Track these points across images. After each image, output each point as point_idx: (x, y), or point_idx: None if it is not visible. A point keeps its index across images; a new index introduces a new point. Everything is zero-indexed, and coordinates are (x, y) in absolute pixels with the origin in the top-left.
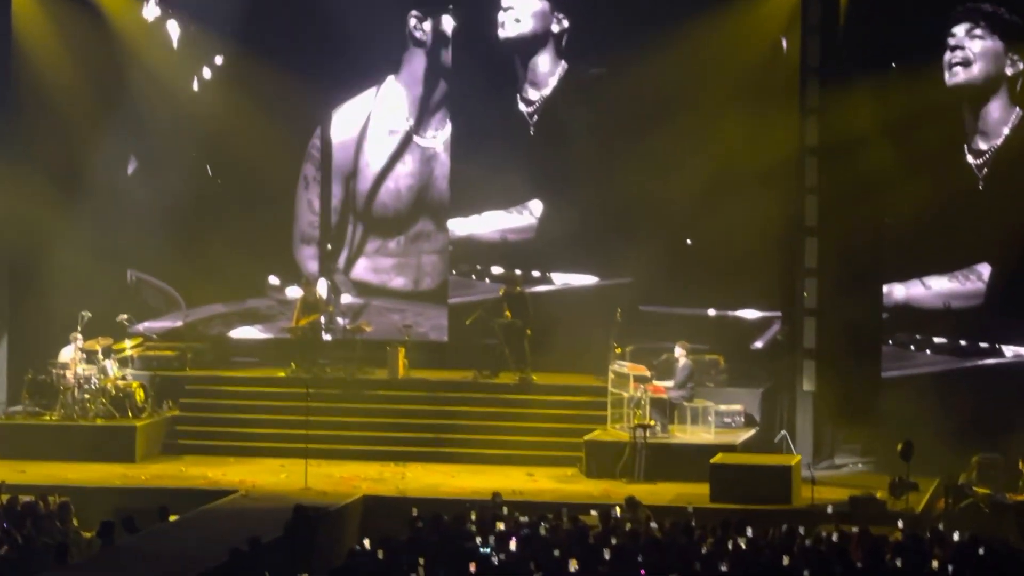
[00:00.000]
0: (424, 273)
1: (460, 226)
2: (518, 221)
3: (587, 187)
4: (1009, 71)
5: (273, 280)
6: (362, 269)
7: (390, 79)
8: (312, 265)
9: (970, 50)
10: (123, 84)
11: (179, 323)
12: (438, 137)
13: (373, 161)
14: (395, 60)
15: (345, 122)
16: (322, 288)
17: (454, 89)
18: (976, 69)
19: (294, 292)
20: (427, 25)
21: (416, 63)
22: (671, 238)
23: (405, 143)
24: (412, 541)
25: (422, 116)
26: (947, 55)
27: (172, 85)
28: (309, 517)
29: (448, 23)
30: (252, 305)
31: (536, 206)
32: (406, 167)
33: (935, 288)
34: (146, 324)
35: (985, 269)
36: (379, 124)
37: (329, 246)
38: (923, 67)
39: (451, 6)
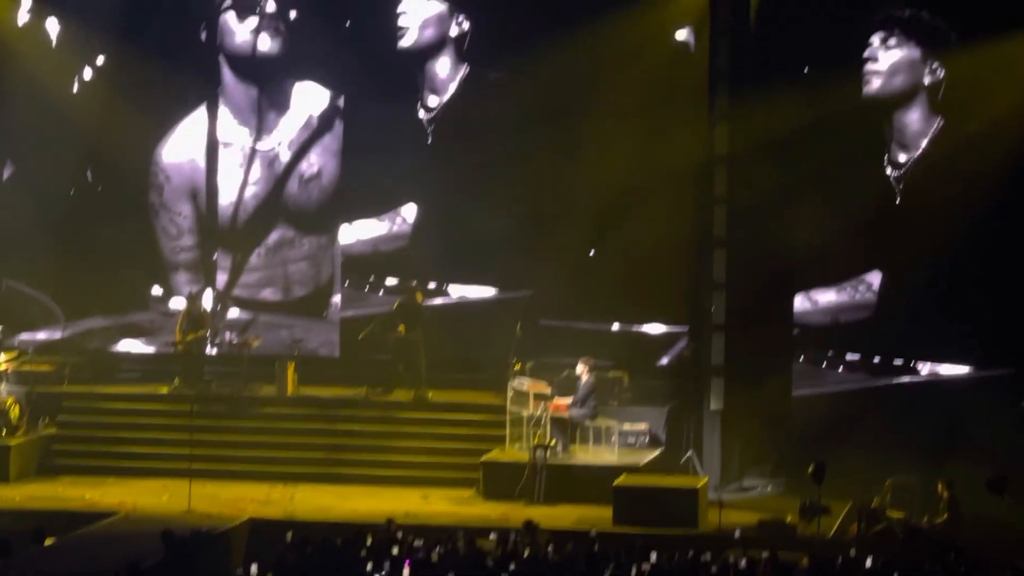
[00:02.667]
0: (293, 282)
1: (348, 236)
2: (407, 232)
3: (487, 194)
4: (927, 80)
5: (156, 291)
6: (234, 286)
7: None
8: (185, 290)
9: (886, 61)
10: None
11: (57, 336)
12: (281, 141)
13: (213, 178)
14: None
15: (179, 141)
16: (207, 301)
17: (350, 100)
18: (893, 80)
19: (178, 304)
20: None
21: (227, 71)
22: (574, 249)
23: (247, 152)
24: (301, 567)
25: (260, 121)
26: (864, 66)
27: (51, 86)
28: (184, 542)
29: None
30: (134, 319)
31: (416, 216)
32: (252, 176)
33: (822, 302)
34: (22, 337)
35: (875, 278)
36: (211, 139)
37: (214, 257)
38: (838, 74)
39: (348, 22)
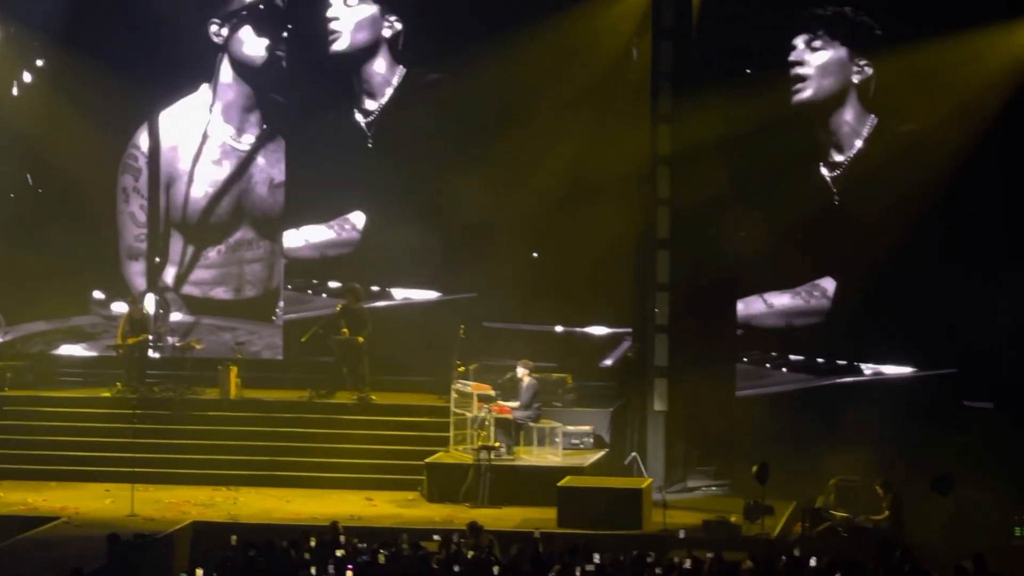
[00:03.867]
0: (245, 282)
1: (294, 240)
2: (353, 235)
3: (429, 198)
4: (856, 78)
5: (98, 295)
6: (185, 282)
7: (204, 87)
8: (140, 281)
9: (814, 63)
10: None
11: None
12: (253, 143)
13: (190, 169)
14: (207, 67)
15: (162, 130)
16: (150, 304)
17: (288, 104)
18: (823, 82)
19: (120, 308)
20: (225, 31)
21: (226, 70)
22: (517, 251)
23: (221, 149)
24: (245, 569)
25: (238, 123)
26: (792, 69)
27: None
28: (129, 545)
29: (248, 32)
30: (76, 322)
31: (364, 219)
32: (223, 173)
33: (777, 305)
34: None
35: (829, 284)
36: (194, 131)
37: (157, 259)
38: (774, 76)
39: (289, 26)
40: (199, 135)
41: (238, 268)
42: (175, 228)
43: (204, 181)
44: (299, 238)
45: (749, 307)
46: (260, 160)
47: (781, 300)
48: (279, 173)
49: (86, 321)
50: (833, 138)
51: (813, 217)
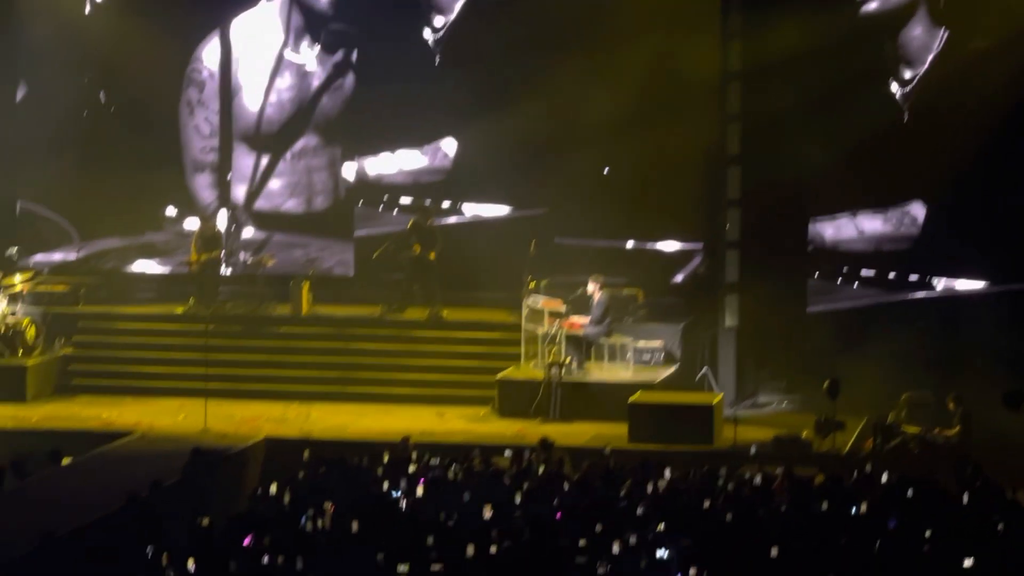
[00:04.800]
0: (315, 192)
1: (366, 162)
2: (428, 155)
3: (498, 115)
4: None
5: (171, 211)
6: (256, 197)
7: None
8: (207, 194)
9: None
10: (11, 5)
11: (72, 257)
12: (312, 53)
13: (252, 80)
14: None
15: (222, 43)
16: (222, 220)
17: (355, 18)
18: None
19: (192, 224)
20: None
21: None
22: (588, 167)
23: (284, 61)
24: (317, 484)
25: (302, 34)
26: None
27: (63, 7)
28: (208, 460)
29: None
30: (149, 238)
31: (435, 137)
32: (286, 84)
33: (867, 231)
34: (37, 258)
35: (919, 211)
36: (259, 43)
37: (229, 177)
38: None
39: None
40: (264, 47)
41: (307, 178)
42: (241, 141)
43: (268, 93)
44: (376, 159)
45: (840, 231)
46: (323, 71)
47: (871, 224)
48: (342, 84)
49: (159, 237)
50: (902, 53)
51: (883, 134)
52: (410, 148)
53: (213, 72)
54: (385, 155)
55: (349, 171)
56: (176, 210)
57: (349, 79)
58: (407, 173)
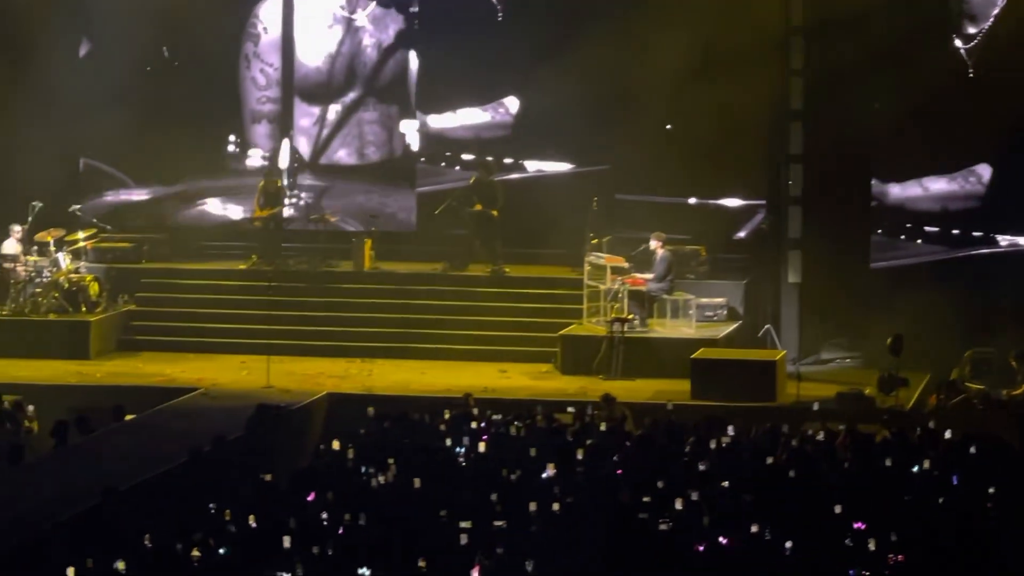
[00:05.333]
0: (366, 142)
1: (428, 118)
2: (491, 111)
3: (561, 72)
4: None
5: (231, 148)
6: (307, 147)
7: None
8: (266, 143)
9: None
10: None
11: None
12: (371, 10)
13: (305, 35)
14: None
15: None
16: (284, 157)
17: None
18: None
19: (255, 160)
20: None
21: None
22: (650, 123)
23: (334, 16)
24: (380, 441)
25: None
26: None
27: None
28: (272, 415)
29: None
30: (212, 184)
31: (497, 93)
32: (335, 37)
33: (933, 190)
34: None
35: (985, 171)
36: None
37: (291, 133)
38: None
39: None
40: (310, 4)
41: (358, 129)
42: (299, 95)
43: (320, 48)
44: (436, 118)
45: (906, 191)
46: (372, 26)
47: (938, 184)
48: (405, 38)
49: (221, 184)
50: (967, 8)
51: (948, 91)
52: (472, 105)
53: (268, 26)
54: (447, 112)
55: (410, 127)
56: (236, 146)
57: (410, 34)
58: (469, 128)
